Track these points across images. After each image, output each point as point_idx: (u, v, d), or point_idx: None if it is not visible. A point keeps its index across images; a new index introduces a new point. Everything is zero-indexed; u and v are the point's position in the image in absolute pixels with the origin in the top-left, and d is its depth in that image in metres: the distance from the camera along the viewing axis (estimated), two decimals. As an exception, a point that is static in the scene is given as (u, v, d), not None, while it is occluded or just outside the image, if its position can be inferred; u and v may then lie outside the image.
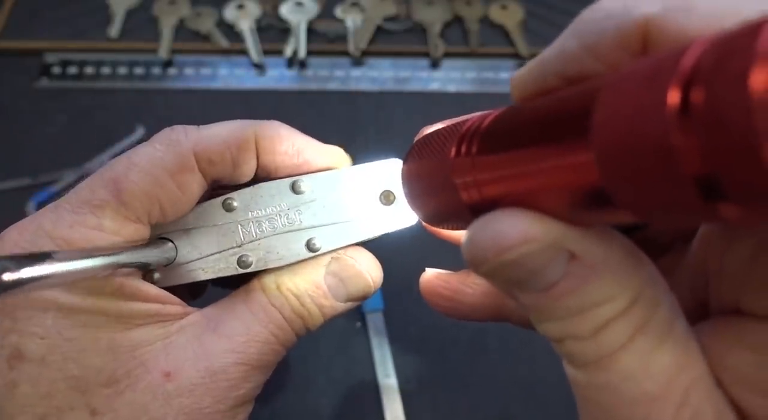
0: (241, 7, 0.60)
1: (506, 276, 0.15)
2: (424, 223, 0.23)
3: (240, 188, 0.24)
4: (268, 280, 0.23)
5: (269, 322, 0.22)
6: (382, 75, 0.57)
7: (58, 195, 0.48)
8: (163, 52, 0.57)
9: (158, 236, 0.24)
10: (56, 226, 0.20)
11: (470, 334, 0.42)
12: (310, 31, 0.59)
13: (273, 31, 0.59)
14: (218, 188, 0.25)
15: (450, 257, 0.48)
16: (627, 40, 0.14)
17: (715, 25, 0.11)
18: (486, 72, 0.57)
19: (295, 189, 0.24)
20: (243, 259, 0.24)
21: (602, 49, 0.14)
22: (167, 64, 0.57)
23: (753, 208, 0.10)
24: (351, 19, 0.60)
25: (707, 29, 0.11)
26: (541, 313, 0.15)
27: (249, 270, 0.24)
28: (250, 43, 0.57)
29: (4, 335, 0.19)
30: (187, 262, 0.24)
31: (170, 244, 0.24)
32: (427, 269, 0.24)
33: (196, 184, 0.22)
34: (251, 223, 0.24)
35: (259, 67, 0.57)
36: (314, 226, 0.24)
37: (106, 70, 0.56)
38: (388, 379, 0.40)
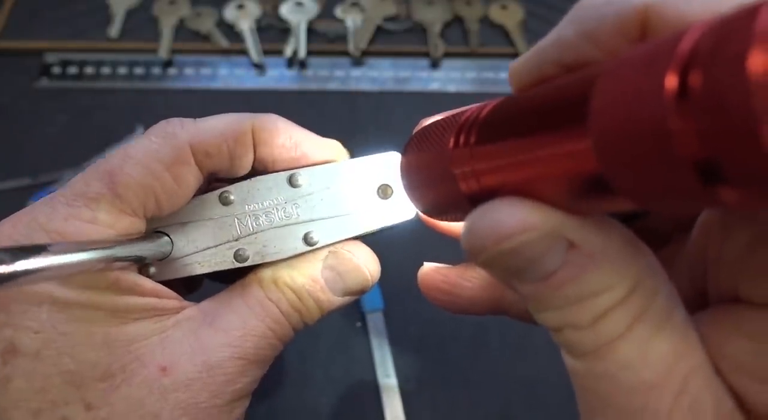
0: (241, 7, 0.60)
1: (505, 265, 0.15)
2: (422, 217, 0.23)
3: (237, 181, 0.24)
4: (265, 274, 0.23)
5: (266, 317, 0.22)
6: (382, 75, 0.57)
7: (58, 195, 0.48)
8: (163, 52, 0.57)
9: (154, 230, 0.23)
10: (51, 219, 0.20)
11: (470, 334, 0.42)
12: (310, 31, 0.59)
13: (273, 31, 0.59)
14: (215, 181, 0.24)
15: (449, 256, 0.48)
16: (626, 27, 0.14)
17: (714, 10, 0.11)
18: (486, 72, 0.57)
19: (292, 182, 0.24)
20: (240, 253, 0.23)
21: (601, 35, 0.14)
22: (167, 64, 0.57)
23: (752, 192, 0.10)
24: (351, 19, 0.60)
25: (706, 14, 0.11)
26: (540, 303, 0.15)
27: (246, 264, 0.23)
28: (250, 43, 0.58)
29: None
30: (183, 256, 0.23)
31: (166, 237, 0.23)
32: (425, 263, 0.23)
33: (192, 177, 0.22)
34: (248, 216, 0.23)
35: (259, 67, 0.57)
36: (311, 220, 0.23)
37: (106, 70, 0.56)
38: (388, 378, 0.40)
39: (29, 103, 0.54)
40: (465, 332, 0.42)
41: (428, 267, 0.23)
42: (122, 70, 0.56)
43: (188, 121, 0.22)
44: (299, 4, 0.60)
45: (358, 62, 0.57)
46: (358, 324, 0.42)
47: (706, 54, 0.10)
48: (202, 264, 0.23)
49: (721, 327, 0.15)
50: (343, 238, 0.24)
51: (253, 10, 0.60)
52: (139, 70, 0.57)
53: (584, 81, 0.12)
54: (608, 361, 0.14)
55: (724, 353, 0.14)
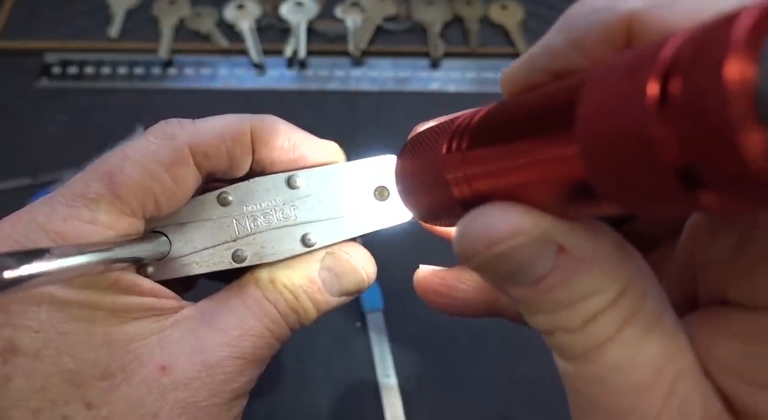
0: (241, 7, 0.60)
1: (496, 269, 0.15)
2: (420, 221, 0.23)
3: (235, 182, 0.24)
4: (263, 275, 0.23)
5: (264, 316, 0.22)
6: (382, 75, 0.57)
7: (58, 195, 0.48)
8: (163, 52, 0.57)
9: (152, 230, 0.23)
10: (50, 220, 0.20)
11: (470, 334, 0.42)
12: (310, 31, 0.59)
13: (273, 31, 0.59)
14: (213, 182, 0.24)
15: (449, 256, 0.48)
16: (611, 35, 0.14)
17: (695, 18, 0.11)
18: (486, 72, 0.57)
19: (290, 184, 0.24)
20: (237, 253, 0.23)
21: (588, 44, 0.15)
22: (167, 64, 0.57)
23: (732, 197, 0.10)
24: (351, 19, 0.60)
25: (689, 22, 0.11)
26: (532, 306, 0.15)
27: (243, 264, 0.23)
28: (250, 43, 0.58)
29: None
30: (182, 256, 0.24)
31: (164, 238, 0.23)
32: (421, 266, 0.23)
33: (191, 178, 0.22)
34: (246, 217, 0.24)
35: (259, 67, 0.57)
36: (309, 221, 0.24)
37: (106, 70, 0.56)
38: (388, 378, 0.40)
39: (29, 103, 0.54)
40: (465, 332, 0.42)
41: (424, 270, 0.23)
42: (122, 70, 0.56)
43: (187, 122, 0.22)
44: (299, 4, 0.60)
45: (358, 62, 0.57)
46: (358, 324, 0.42)
47: (686, 62, 0.10)
48: (200, 264, 0.24)
49: (710, 329, 0.15)
50: (341, 239, 0.24)
51: (253, 10, 0.60)
52: (139, 70, 0.57)
53: (571, 88, 0.13)
54: (598, 363, 0.14)
55: (713, 355, 0.14)
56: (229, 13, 0.60)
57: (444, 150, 0.17)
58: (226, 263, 0.24)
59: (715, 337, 0.14)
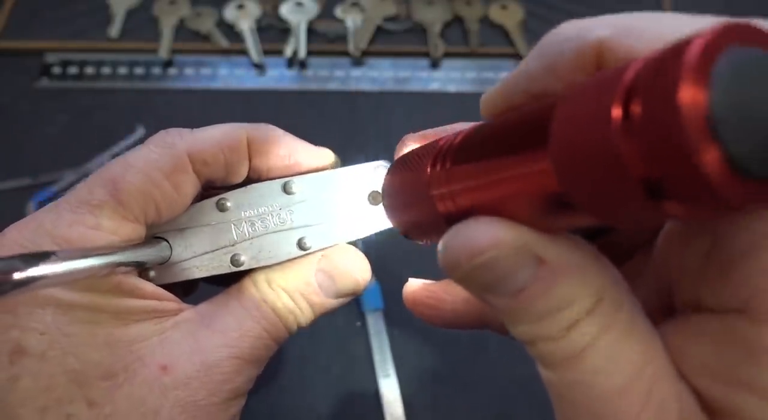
0: (241, 7, 0.60)
1: (478, 280, 0.15)
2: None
3: (233, 189, 0.24)
4: (260, 278, 0.24)
5: (261, 318, 0.23)
6: (382, 75, 0.57)
7: (58, 195, 0.48)
8: (163, 52, 0.57)
9: (154, 235, 0.24)
10: (56, 226, 0.21)
11: (470, 334, 0.42)
12: (310, 31, 0.59)
13: (273, 31, 0.60)
14: (212, 189, 0.25)
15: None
16: (583, 61, 0.15)
17: (659, 46, 0.12)
18: (486, 72, 0.57)
19: (286, 190, 0.24)
20: (236, 257, 0.24)
21: (561, 69, 0.16)
22: (167, 64, 0.57)
23: (694, 206, 0.11)
24: (351, 19, 0.60)
25: (652, 49, 0.12)
26: (513, 317, 0.15)
27: (242, 268, 0.24)
28: (250, 43, 0.58)
29: (6, 331, 0.20)
30: (182, 261, 0.24)
31: (165, 243, 0.24)
32: (410, 280, 0.24)
33: (190, 185, 0.23)
34: (244, 222, 0.24)
35: (259, 67, 0.57)
36: (305, 226, 0.24)
37: (106, 70, 0.56)
38: (388, 378, 0.40)
39: (29, 103, 0.54)
40: (465, 332, 0.42)
41: (413, 283, 0.24)
42: (122, 70, 0.56)
43: (186, 131, 0.23)
44: (299, 4, 0.61)
45: (358, 62, 0.58)
46: (358, 324, 0.42)
47: (644, 85, 0.11)
48: (200, 268, 0.24)
49: (684, 333, 0.15)
50: (336, 243, 0.24)
51: (253, 10, 0.60)
52: (139, 70, 0.57)
53: (545, 108, 0.13)
54: (579, 369, 0.14)
55: (688, 357, 0.15)
56: (229, 13, 0.60)
57: (429, 168, 0.18)
58: (225, 267, 0.24)
59: (689, 340, 0.15)
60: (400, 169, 0.21)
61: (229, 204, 0.24)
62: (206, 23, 0.59)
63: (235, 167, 0.24)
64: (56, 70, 0.56)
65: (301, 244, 0.24)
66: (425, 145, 0.20)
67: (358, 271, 0.24)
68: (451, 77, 0.57)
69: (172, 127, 0.56)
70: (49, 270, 0.17)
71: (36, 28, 0.59)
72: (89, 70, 0.56)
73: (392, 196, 0.22)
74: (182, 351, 0.22)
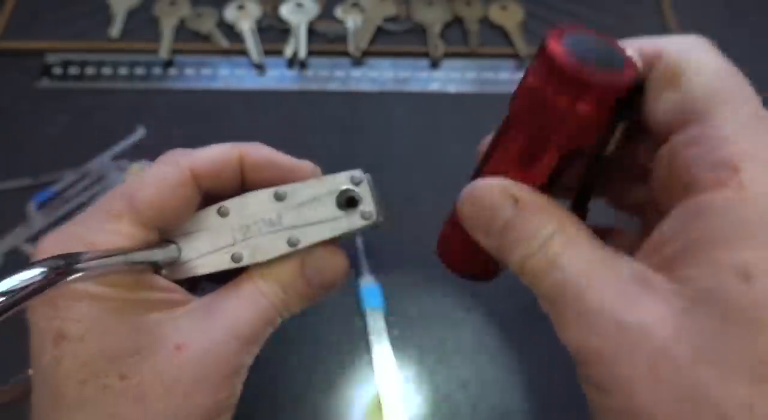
0: (241, 7, 0.61)
1: (477, 221, 0.22)
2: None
3: (231, 197, 0.29)
4: (255, 273, 0.28)
5: (257, 306, 0.28)
6: (382, 75, 0.57)
7: (58, 195, 0.48)
8: (163, 53, 0.57)
9: (164, 239, 0.28)
10: (85, 233, 0.25)
11: (470, 334, 0.42)
12: (311, 32, 0.59)
13: (273, 31, 0.60)
14: (213, 198, 0.29)
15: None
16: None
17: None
18: (486, 72, 0.57)
19: (277, 197, 0.29)
20: (235, 255, 0.28)
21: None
22: (168, 64, 0.57)
23: (580, 93, 0.19)
24: (351, 20, 0.60)
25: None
26: (504, 250, 0.21)
27: (241, 264, 0.28)
28: (251, 43, 0.58)
29: (49, 321, 0.24)
30: (189, 260, 0.29)
31: (174, 245, 0.28)
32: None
33: (194, 196, 0.28)
34: (241, 225, 0.29)
35: (260, 68, 0.57)
36: (293, 227, 0.28)
37: (106, 70, 0.57)
38: (388, 379, 0.40)
39: (30, 103, 0.54)
40: (465, 332, 0.42)
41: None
42: (123, 71, 0.57)
43: (189, 151, 0.28)
44: (299, 4, 0.61)
45: (358, 63, 0.58)
46: (358, 324, 0.42)
47: (542, 71, 0.20)
48: (205, 266, 0.28)
49: (656, 227, 0.20)
50: (319, 240, 0.28)
51: (254, 11, 0.60)
52: (139, 71, 0.57)
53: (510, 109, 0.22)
54: (556, 270, 0.20)
55: (653, 241, 0.20)
56: (230, 13, 0.60)
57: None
58: (225, 264, 0.28)
59: (656, 228, 0.20)
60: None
61: (228, 210, 0.28)
62: (207, 24, 0.59)
63: (231, 180, 0.29)
64: (57, 70, 0.56)
65: (290, 242, 0.28)
66: None
67: (339, 265, 0.29)
68: (451, 77, 0.57)
69: (172, 127, 0.57)
70: (83, 267, 0.22)
71: (36, 29, 0.59)
72: (90, 70, 0.57)
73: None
74: (192, 333, 0.26)
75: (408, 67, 0.57)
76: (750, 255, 0.16)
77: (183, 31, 0.59)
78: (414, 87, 0.56)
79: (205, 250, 0.28)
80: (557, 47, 0.19)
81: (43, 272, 0.21)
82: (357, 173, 0.29)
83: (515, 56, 0.58)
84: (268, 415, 0.38)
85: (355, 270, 0.43)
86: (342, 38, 0.59)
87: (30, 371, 0.26)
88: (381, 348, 0.41)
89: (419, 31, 0.60)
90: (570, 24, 0.20)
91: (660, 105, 0.20)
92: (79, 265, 0.22)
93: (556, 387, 0.40)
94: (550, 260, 0.20)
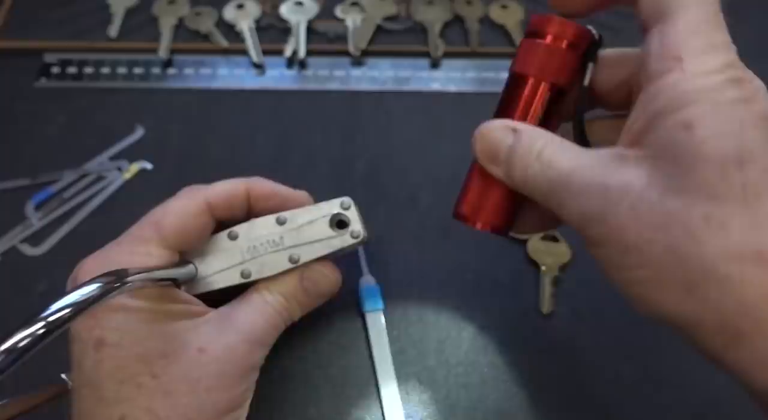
0: (240, 6, 0.60)
1: (486, 149, 0.28)
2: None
3: (240, 223, 0.34)
4: (262, 286, 0.34)
5: (264, 314, 0.32)
6: (382, 75, 0.57)
7: (56, 194, 0.48)
8: (162, 52, 0.57)
9: (184, 259, 0.33)
10: (120, 256, 0.30)
11: (471, 334, 0.42)
12: (310, 31, 0.59)
13: (273, 30, 0.59)
14: (224, 225, 0.34)
15: (449, 256, 0.48)
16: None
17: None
18: (486, 72, 0.57)
19: (278, 221, 0.34)
20: (245, 272, 0.33)
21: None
22: (167, 63, 0.57)
23: (560, 40, 0.28)
24: (351, 19, 0.59)
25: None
26: (510, 169, 0.27)
27: (249, 279, 0.33)
28: (250, 42, 0.57)
29: (90, 330, 0.29)
30: (205, 277, 0.33)
31: (192, 265, 0.33)
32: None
33: (209, 223, 0.33)
34: (249, 247, 0.33)
35: (259, 67, 0.57)
36: (294, 246, 0.33)
37: (105, 69, 0.56)
38: (388, 379, 0.40)
39: (28, 103, 0.54)
40: (465, 332, 0.42)
41: None
42: (122, 70, 0.56)
43: (205, 186, 0.34)
44: (299, 3, 0.60)
45: (358, 62, 0.57)
46: (358, 324, 0.42)
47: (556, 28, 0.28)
48: (218, 282, 0.33)
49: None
50: (316, 257, 0.34)
51: (253, 10, 0.60)
52: (138, 70, 0.56)
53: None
54: (551, 169, 0.25)
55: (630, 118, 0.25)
56: (229, 12, 0.60)
57: None
58: (236, 280, 0.33)
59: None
60: None
61: (237, 234, 0.34)
62: (206, 23, 0.59)
63: (240, 210, 0.34)
64: (55, 69, 0.56)
65: (291, 259, 0.33)
66: None
67: (333, 277, 0.35)
68: (452, 77, 0.57)
69: (171, 126, 0.56)
70: (130, 281, 0.26)
71: (34, 28, 0.59)
72: (88, 69, 0.56)
73: None
74: (211, 338, 0.30)
75: (408, 66, 0.57)
76: (690, 112, 0.22)
77: (182, 31, 0.59)
78: (414, 86, 0.56)
79: (218, 268, 0.33)
80: (543, 14, 0.28)
81: (99, 286, 0.25)
82: (346, 200, 0.34)
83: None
84: (267, 415, 0.38)
85: (355, 270, 0.43)
86: (342, 37, 0.59)
87: (63, 375, 0.31)
88: (381, 348, 0.41)
89: (419, 31, 0.59)
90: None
91: (643, 4, 0.25)
92: (127, 279, 0.26)
93: (556, 387, 0.40)
94: (545, 163, 0.25)
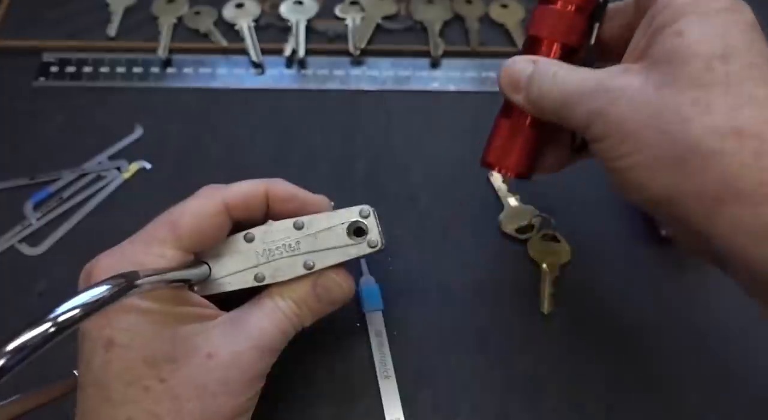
0: (240, 5, 0.60)
1: (510, 79, 0.32)
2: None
3: (256, 226, 0.33)
4: (275, 291, 0.33)
5: (275, 320, 0.32)
6: (382, 74, 0.57)
7: (55, 194, 0.48)
8: (161, 51, 0.57)
9: (199, 260, 0.33)
10: (134, 255, 0.30)
11: (470, 333, 0.42)
12: (310, 30, 0.59)
13: (272, 30, 0.59)
14: (241, 226, 0.34)
15: (449, 256, 0.48)
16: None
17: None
18: (486, 71, 0.57)
19: (296, 226, 0.33)
20: (258, 275, 0.33)
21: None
22: (166, 63, 0.57)
23: (570, 4, 0.33)
24: (351, 18, 0.59)
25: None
26: (530, 93, 0.31)
27: (263, 283, 0.33)
28: (249, 42, 0.57)
29: (101, 329, 0.28)
30: (219, 278, 0.33)
31: (206, 265, 0.33)
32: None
33: (225, 224, 0.32)
34: (265, 250, 0.33)
35: (259, 66, 0.57)
36: (309, 252, 0.33)
37: (104, 69, 0.56)
38: (388, 379, 0.40)
39: (27, 102, 0.54)
40: (465, 332, 0.42)
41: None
42: (121, 69, 0.56)
43: (223, 186, 0.33)
44: (298, 2, 0.60)
45: (357, 61, 0.57)
46: (358, 324, 0.42)
47: None
48: (232, 284, 0.33)
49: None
50: (330, 264, 0.33)
51: (253, 9, 0.60)
52: (137, 69, 0.56)
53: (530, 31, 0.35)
54: (563, 84, 0.30)
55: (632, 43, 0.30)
56: (228, 11, 0.60)
57: None
58: (249, 283, 0.33)
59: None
60: None
61: (253, 237, 0.33)
62: (205, 22, 0.59)
63: (258, 212, 0.33)
64: (54, 69, 0.56)
65: (306, 265, 0.33)
66: None
67: (346, 285, 0.34)
68: (452, 76, 0.56)
69: (171, 126, 0.56)
70: (140, 283, 0.26)
71: (33, 27, 0.59)
72: (87, 69, 0.56)
73: None
74: (220, 343, 0.30)
75: (408, 65, 0.57)
76: (681, 22, 0.25)
77: (181, 30, 0.59)
78: (414, 86, 0.56)
79: (232, 270, 0.33)
80: None
81: (109, 288, 0.24)
82: (365, 208, 0.33)
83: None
84: (267, 415, 0.38)
85: (355, 270, 0.43)
86: (341, 37, 0.58)
87: (76, 372, 0.30)
88: (381, 348, 0.40)
89: (419, 30, 0.59)
90: None
91: None
92: (138, 282, 0.26)
93: (556, 388, 0.40)
94: (559, 82, 0.29)
